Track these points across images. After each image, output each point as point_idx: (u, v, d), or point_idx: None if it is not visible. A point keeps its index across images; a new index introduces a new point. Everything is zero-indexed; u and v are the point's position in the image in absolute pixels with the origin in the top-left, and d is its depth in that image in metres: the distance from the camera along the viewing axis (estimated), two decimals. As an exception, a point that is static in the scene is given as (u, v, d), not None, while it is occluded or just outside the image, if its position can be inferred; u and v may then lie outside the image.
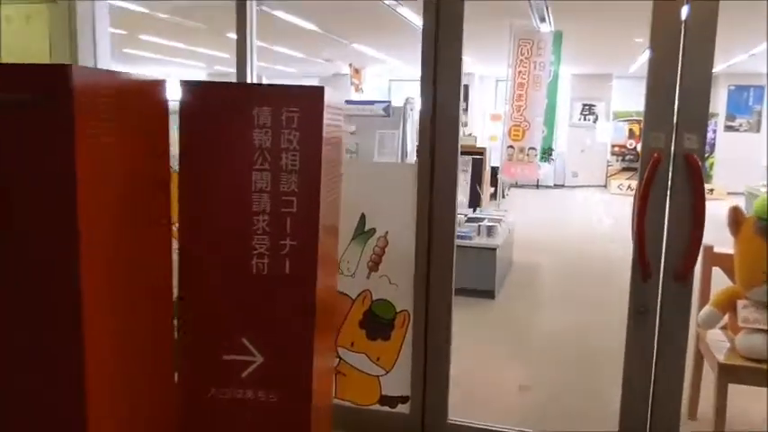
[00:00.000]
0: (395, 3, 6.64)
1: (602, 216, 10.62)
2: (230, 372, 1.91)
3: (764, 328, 2.79)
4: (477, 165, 6.82)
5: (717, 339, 3.05)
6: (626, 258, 2.63)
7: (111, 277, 1.69)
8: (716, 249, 3.12)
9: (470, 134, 12.13)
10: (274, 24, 7.81)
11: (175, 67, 13.90)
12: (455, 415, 2.92)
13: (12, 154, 1.53)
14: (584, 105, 14.74)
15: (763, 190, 8.80)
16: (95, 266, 1.60)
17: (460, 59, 2.68)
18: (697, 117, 2.43)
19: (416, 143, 3.49)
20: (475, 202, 6.75)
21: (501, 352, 4.38)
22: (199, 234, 1.90)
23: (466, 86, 14.45)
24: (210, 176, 1.87)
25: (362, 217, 2.85)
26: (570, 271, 6.84)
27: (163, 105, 1.92)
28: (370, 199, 2.85)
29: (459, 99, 2.74)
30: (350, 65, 13.15)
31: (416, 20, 2.70)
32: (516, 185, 12.73)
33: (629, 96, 13.82)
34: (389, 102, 4.83)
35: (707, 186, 3.28)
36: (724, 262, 3.08)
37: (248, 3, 2.96)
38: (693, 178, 2.45)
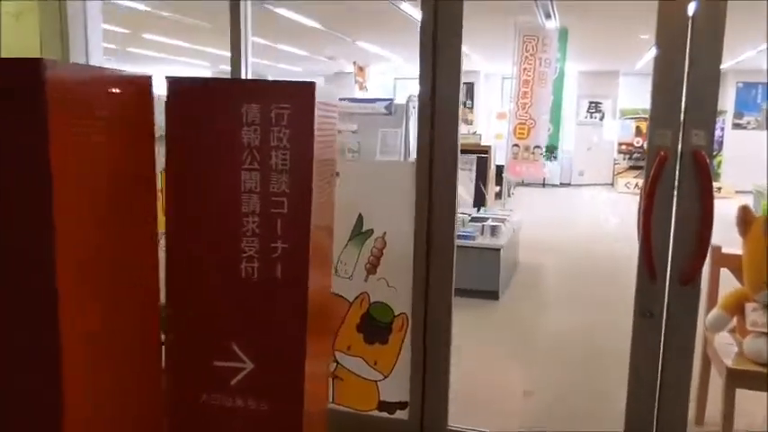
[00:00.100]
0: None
1: (608, 215, 10.54)
2: (220, 379, 1.86)
3: (773, 331, 2.72)
4: (482, 163, 6.72)
5: (725, 343, 2.98)
6: (633, 257, 2.55)
7: (92, 276, 1.63)
8: (724, 250, 3.04)
9: (475, 132, 12.07)
10: (277, 22, 7.77)
11: (180, 66, 13.88)
12: (457, 419, 2.85)
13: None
14: (591, 103, 14.63)
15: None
16: (74, 264, 1.54)
17: (459, 55, 2.61)
18: (705, 113, 2.36)
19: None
20: (479, 201, 6.65)
21: (504, 353, 4.32)
22: (186, 236, 1.85)
23: (471, 84, 14.39)
24: (197, 176, 1.81)
25: (360, 217, 2.79)
26: (577, 271, 6.77)
27: (149, 102, 1.85)
28: (367, 199, 2.78)
29: (459, 96, 2.66)
30: (354, 63, 13.09)
31: (419, 16, 2.63)
32: (522, 184, 12.68)
33: (637, 94, 13.69)
34: (392, 99, 4.77)
35: (715, 185, 3.20)
36: (732, 263, 3.00)
37: (241, 2, 2.90)
38: (701, 176, 2.37)
